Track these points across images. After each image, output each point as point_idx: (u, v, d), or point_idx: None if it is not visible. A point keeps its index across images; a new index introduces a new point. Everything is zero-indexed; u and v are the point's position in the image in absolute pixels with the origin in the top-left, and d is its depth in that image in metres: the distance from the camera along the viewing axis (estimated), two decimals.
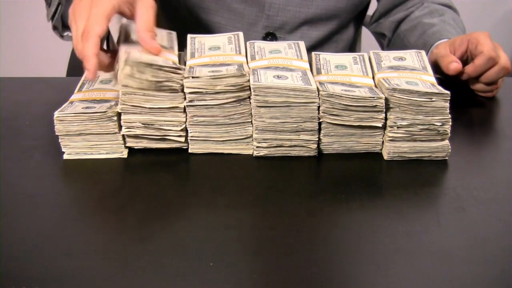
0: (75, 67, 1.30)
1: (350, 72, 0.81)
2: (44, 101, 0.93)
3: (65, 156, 0.76)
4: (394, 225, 0.64)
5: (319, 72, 0.81)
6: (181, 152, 0.78)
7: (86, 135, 0.75)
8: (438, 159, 0.76)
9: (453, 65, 0.95)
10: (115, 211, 0.66)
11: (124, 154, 0.77)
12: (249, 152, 0.77)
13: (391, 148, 0.75)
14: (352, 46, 1.28)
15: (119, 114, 0.75)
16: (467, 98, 0.98)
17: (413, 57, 0.84)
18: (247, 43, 0.86)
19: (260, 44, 0.85)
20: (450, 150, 0.76)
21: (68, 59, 1.36)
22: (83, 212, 0.66)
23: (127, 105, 0.74)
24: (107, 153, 0.76)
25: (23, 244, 0.60)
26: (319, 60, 0.84)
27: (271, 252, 0.59)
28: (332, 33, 1.17)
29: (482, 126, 0.90)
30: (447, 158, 0.77)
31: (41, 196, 0.69)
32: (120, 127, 0.76)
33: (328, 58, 0.84)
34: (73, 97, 0.80)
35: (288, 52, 0.83)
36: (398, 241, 0.61)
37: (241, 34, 0.86)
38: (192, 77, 0.74)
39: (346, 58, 0.84)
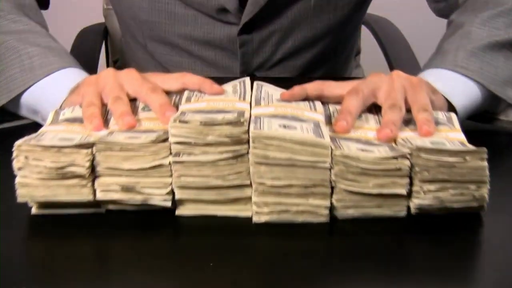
0: None
1: (365, 124, 0.69)
2: None
3: (33, 211, 0.65)
4: None
5: (328, 121, 0.69)
6: (168, 212, 0.66)
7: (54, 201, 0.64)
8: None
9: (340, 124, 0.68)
10: None
11: (102, 209, 0.66)
12: (248, 214, 0.65)
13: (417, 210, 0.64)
14: (348, 61, 1.19)
15: (93, 178, 0.64)
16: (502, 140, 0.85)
17: None
18: (255, 83, 0.74)
19: (268, 89, 0.74)
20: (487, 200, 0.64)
21: None
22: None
23: (102, 167, 0.63)
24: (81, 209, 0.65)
25: None
26: (328, 108, 0.72)
27: None
28: (321, 55, 1.07)
29: None
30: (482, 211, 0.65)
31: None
32: (94, 192, 0.64)
33: (338, 107, 0.72)
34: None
35: (300, 103, 0.71)
36: None
37: (247, 79, 0.75)
38: (180, 121, 0.62)
39: None
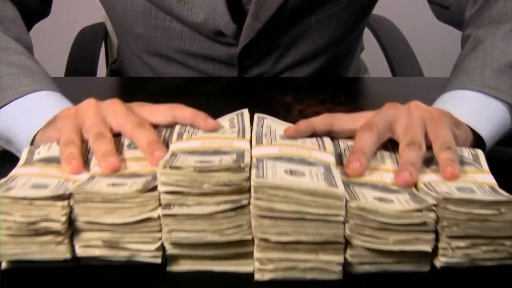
0: (74, 67, 1.26)
1: (380, 165, 0.61)
2: None
3: (3, 266, 0.57)
4: None
5: (339, 161, 0.61)
6: (158, 265, 0.58)
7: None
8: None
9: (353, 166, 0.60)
10: None
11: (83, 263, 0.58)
12: (249, 269, 0.57)
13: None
14: (350, 63, 1.15)
15: (71, 233, 0.55)
16: None
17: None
18: (255, 116, 0.66)
19: (270, 123, 0.65)
20: None
21: (66, 59, 1.28)
22: None
23: (81, 221, 0.54)
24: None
25: None
26: (339, 144, 0.64)
27: None
28: (322, 67, 1.03)
29: None
30: None
31: None
32: (72, 247, 0.56)
33: (350, 143, 0.64)
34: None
35: (307, 140, 0.63)
36: None
37: (246, 112, 0.67)
38: (170, 167, 0.54)
39: None
